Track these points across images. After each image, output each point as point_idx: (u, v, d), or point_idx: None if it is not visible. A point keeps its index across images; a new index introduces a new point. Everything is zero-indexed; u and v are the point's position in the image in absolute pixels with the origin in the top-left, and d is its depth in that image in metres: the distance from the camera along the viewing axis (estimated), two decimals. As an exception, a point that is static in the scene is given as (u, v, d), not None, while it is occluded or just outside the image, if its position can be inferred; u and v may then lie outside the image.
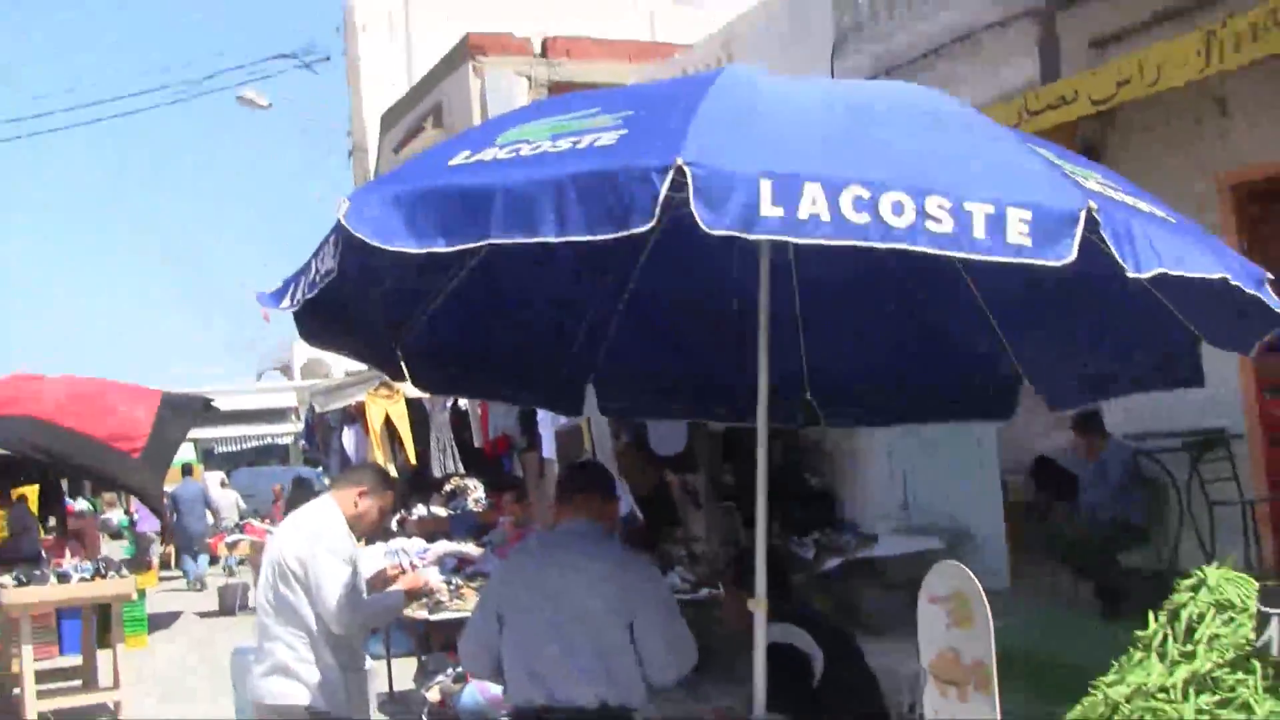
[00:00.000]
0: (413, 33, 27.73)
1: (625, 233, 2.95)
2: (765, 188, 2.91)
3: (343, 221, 3.27)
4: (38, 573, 11.00)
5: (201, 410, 16.40)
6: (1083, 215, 2.97)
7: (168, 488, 22.96)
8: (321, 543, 5.17)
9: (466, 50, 23.03)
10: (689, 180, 2.87)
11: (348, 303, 4.26)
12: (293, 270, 3.84)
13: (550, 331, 5.45)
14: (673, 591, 8.63)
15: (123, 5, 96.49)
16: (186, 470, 22.51)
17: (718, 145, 3.05)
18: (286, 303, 3.76)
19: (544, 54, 23.25)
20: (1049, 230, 2.95)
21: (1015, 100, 9.31)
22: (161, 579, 22.83)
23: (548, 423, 12.98)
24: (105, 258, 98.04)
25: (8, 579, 10.98)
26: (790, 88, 3.83)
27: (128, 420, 14.60)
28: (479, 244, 3.17)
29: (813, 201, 2.91)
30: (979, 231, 2.93)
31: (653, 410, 7.72)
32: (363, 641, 5.59)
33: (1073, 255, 2.93)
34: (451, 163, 3.43)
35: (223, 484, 25.01)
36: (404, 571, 6.78)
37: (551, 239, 3.02)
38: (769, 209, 2.90)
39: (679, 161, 2.90)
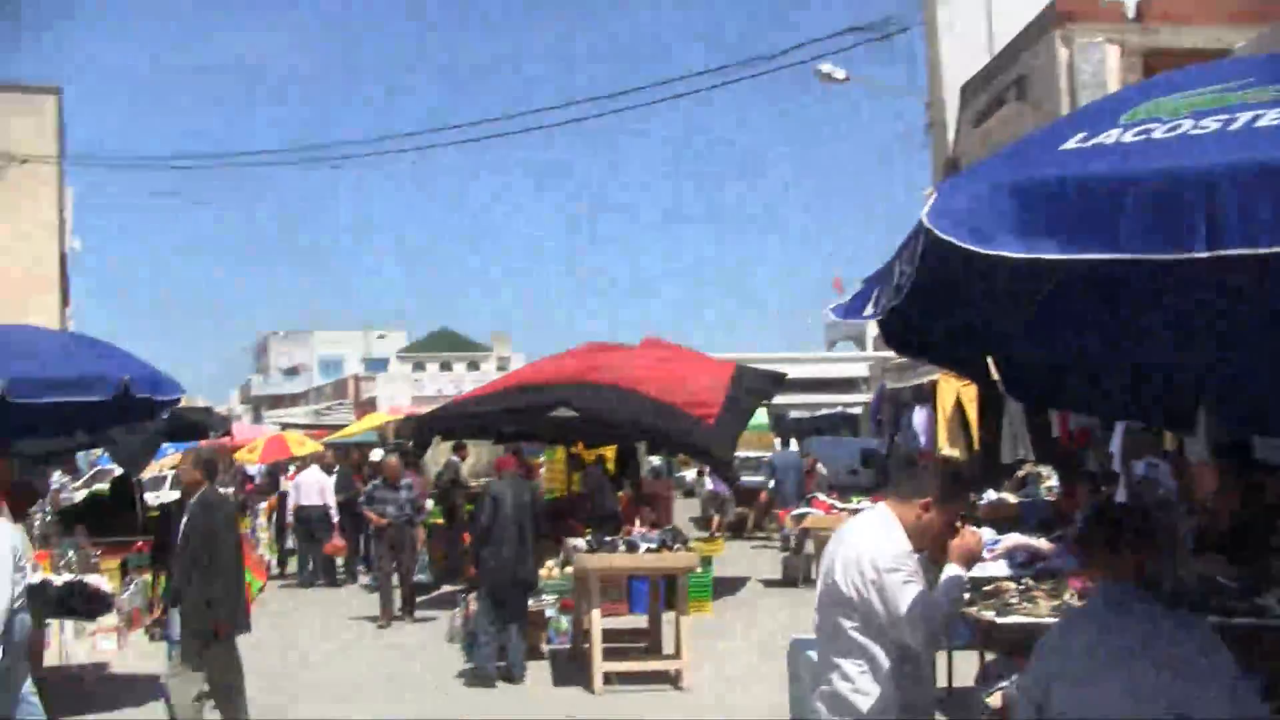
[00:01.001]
0: (995, 0, 26.84)
1: None
2: None
3: (925, 222, 2.85)
4: (608, 540, 11.64)
5: (773, 385, 16.82)
6: None
7: (765, 454, 24.23)
8: (880, 569, 4.72)
9: (1053, 17, 21.91)
10: None
11: (934, 308, 3.86)
12: (870, 271, 3.58)
13: (1161, 346, 4.75)
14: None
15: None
16: (785, 442, 23.45)
17: None
18: (869, 310, 3.43)
19: (1138, 18, 21.66)
20: None
21: None
22: (740, 539, 24.01)
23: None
24: (673, 231, 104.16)
25: (581, 542, 11.72)
26: None
27: (704, 389, 15.33)
28: (1105, 257, 2.60)
29: None
30: None
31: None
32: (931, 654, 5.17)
33: None
34: (1064, 147, 2.92)
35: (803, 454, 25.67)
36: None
37: (1200, 254, 2.41)
38: None
39: None
